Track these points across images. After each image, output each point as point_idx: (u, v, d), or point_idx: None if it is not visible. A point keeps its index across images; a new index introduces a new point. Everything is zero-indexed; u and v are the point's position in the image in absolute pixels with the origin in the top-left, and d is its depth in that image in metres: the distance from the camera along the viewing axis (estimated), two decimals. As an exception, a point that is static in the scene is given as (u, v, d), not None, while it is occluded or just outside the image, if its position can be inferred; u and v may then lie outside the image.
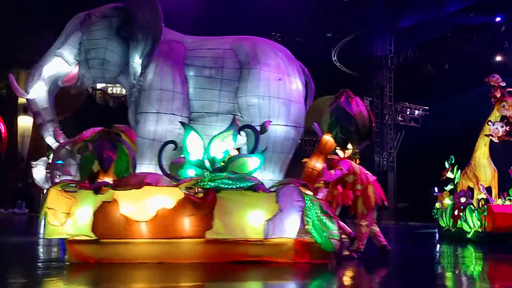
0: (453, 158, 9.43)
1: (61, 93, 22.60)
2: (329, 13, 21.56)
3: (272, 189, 5.17)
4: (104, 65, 6.14)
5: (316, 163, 5.64)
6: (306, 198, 5.06)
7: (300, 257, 5.01)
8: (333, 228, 4.98)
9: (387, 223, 17.00)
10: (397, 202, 22.41)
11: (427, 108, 22.99)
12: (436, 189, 11.36)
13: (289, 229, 5.00)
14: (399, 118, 23.00)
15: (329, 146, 5.73)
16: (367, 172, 5.97)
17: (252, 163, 5.30)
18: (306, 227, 5.01)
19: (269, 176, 5.83)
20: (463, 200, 8.80)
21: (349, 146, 6.04)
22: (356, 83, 24.92)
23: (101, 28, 6.11)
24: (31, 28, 19.69)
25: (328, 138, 5.68)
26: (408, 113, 23.16)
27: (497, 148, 9.66)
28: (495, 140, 8.85)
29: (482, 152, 9.51)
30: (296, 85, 6.22)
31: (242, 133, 5.42)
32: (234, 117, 5.55)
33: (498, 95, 9.29)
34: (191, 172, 5.33)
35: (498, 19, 17.79)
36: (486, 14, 18.13)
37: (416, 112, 23.27)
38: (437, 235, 10.89)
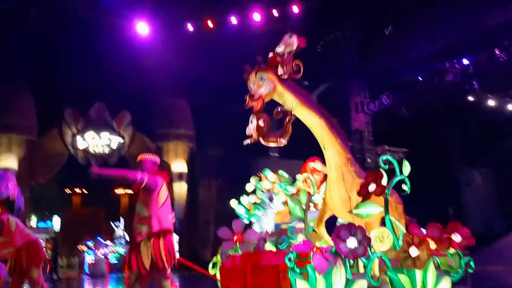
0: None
1: (41, 155, 22.48)
2: (304, 62, 22.33)
3: None
4: None
5: None
6: None
7: None
8: None
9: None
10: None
11: (406, 150, 23.44)
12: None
13: None
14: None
15: None
16: (29, 232, 5.09)
17: None
18: None
19: None
20: None
21: None
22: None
23: None
24: (9, 92, 19.87)
25: None
26: (388, 155, 23.54)
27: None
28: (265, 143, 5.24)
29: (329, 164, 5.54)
30: None
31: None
32: None
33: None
34: None
35: (466, 61, 18.65)
36: (453, 57, 19.01)
37: (396, 154, 23.68)
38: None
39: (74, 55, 19.71)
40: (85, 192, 36.79)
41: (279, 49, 5.07)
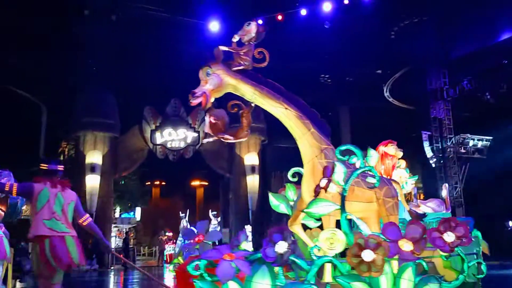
0: None
1: (123, 151, 23.82)
2: (376, 50, 21.64)
3: None
4: None
5: None
6: None
7: None
8: None
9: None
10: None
11: (490, 138, 21.95)
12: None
13: None
14: (462, 150, 22.04)
15: None
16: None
17: None
18: None
19: None
20: None
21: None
22: (412, 117, 24.42)
23: None
24: (94, 93, 21.24)
25: None
26: (471, 144, 22.18)
27: None
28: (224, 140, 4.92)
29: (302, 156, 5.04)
30: None
31: None
32: None
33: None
34: None
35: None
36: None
37: (480, 143, 22.24)
38: None
39: (151, 56, 20.66)
40: (164, 184, 38.63)
41: (235, 38, 4.68)
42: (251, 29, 4.66)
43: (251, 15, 19.99)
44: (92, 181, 20.92)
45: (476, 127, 21.85)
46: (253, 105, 4.77)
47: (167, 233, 24.51)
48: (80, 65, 21.27)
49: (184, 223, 21.96)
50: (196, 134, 23.71)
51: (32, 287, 11.98)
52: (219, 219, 24.09)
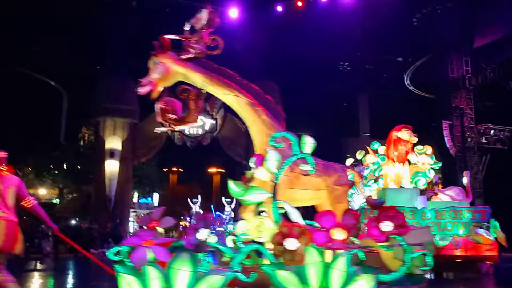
0: None
1: (142, 137, 23.96)
2: (397, 38, 21.27)
3: None
4: None
5: None
6: None
7: None
8: None
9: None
10: (488, 231, 20.75)
11: (514, 128, 21.47)
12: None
13: None
14: (483, 141, 21.62)
15: None
16: None
17: None
18: None
19: None
20: None
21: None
22: (432, 106, 24.01)
23: None
24: (114, 79, 21.40)
25: None
26: (492, 134, 21.74)
27: None
28: (175, 127, 5.24)
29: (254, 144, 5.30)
30: None
31: None
32: None
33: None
34: None
35: None
36: None
37: (502, 133, 21.77)
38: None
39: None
40: (181, 170, 38.97)
41: (187, 26, 4.72)
42: (203, 16, 4.65)
43: (269, 2, 19.85)
44: (112, 166, 21.20)
45: (498, 117, 21.38)
46: (204, 91, 4.79)
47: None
48: (101, 51, 21.45)
49: (197, 208, 22.11)
50: (214, 121, 23.78)
51: (52, 268, 12.27)
52: (232, 205, 24.21)
